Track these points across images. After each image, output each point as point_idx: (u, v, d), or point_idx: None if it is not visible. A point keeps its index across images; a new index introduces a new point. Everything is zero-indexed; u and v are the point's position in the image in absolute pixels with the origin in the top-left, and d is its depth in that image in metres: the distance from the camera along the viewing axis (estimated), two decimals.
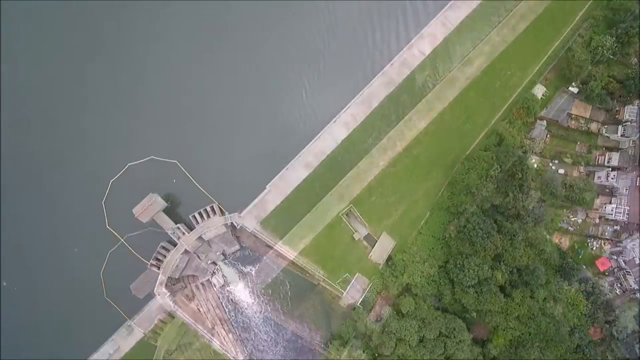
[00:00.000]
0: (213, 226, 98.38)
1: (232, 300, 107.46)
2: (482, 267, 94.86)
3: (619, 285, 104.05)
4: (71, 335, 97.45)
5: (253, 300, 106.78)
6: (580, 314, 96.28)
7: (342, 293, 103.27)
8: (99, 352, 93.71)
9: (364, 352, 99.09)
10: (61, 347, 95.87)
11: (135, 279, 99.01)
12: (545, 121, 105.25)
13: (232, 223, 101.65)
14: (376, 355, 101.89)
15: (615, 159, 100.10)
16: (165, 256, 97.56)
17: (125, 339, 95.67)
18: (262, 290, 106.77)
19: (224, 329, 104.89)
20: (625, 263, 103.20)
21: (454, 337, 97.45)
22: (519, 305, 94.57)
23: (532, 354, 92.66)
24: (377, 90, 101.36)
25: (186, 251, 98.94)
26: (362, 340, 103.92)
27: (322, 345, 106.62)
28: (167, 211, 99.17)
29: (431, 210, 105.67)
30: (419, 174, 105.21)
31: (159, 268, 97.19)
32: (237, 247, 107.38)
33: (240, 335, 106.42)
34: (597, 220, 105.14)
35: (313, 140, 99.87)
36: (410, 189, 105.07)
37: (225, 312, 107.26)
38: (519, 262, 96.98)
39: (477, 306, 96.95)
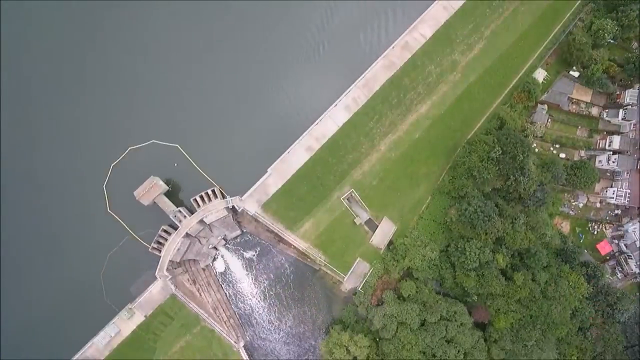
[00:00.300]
0: (214, 209, 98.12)
1: (233, 285, 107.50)
2: (484, 251, 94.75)
3: (620, 269, 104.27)
4: (72, 321, 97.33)
5: (254, 286, 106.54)
6: (581, 297, 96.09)
7: (344, 278, 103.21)
8: (99, 335, 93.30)
9: (365, 336, 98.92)
10: (64, 331, 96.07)
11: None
12: (546, 105, 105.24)
13: (233, 206, 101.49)
14: (377, 339, 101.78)
15: (616, 142, 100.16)
16: (166, 239, 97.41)
17: (126, 323, 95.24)
18: (264, 276, 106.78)
19: (225, 313, 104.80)
20: (626, 247, 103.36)
21: (455, 320, 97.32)
22: (521, 288, 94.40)
23: (534, 336, 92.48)
24: (378, 73, 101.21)
25: (187, 235, 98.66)
26: (363, 324, 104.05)
27: (324, 330, 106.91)
28: (168, 195, 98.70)
29: (432, 195, 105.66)
30: (420, 159, 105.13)
31: (160, 251, 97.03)
32: (239, 232, 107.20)
33: (241, 320, 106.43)
34: (598, 205, 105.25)
35: (314, 124, 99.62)
36: (411, 174, 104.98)
37: (226, 297, 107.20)
38: (520, 245, 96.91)
39: (479, 289, 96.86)
